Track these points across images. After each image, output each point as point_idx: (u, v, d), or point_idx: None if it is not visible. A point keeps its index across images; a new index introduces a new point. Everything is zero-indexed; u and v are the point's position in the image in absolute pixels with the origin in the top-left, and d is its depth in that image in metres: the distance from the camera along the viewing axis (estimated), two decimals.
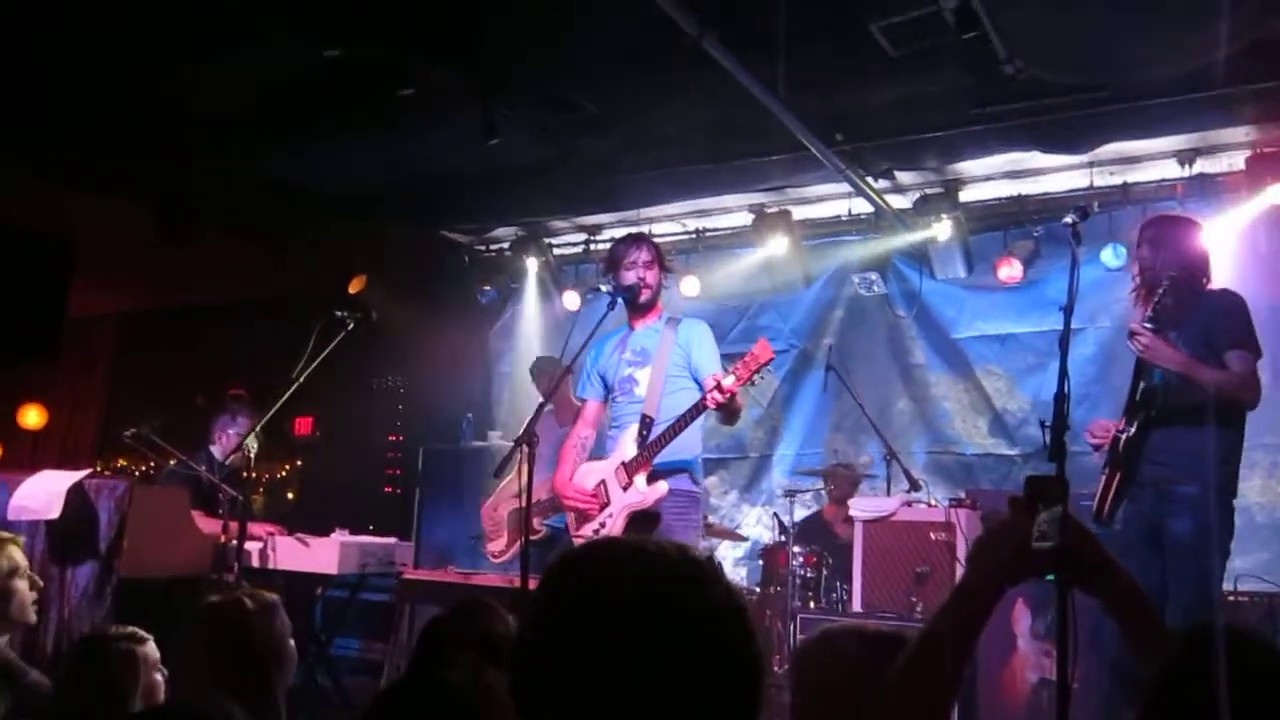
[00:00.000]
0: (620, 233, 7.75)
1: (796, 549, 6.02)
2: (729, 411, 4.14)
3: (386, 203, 7.33)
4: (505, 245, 8.42)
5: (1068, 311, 2.55)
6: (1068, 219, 2.99)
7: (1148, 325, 3.83)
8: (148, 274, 8.82)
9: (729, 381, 3.94)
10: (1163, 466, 3.89)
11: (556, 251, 8.29)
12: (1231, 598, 4.75)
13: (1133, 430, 3.91)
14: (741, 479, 7.72)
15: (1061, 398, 2.30)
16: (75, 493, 4.86)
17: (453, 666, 2.06)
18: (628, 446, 4.24)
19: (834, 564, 6.03)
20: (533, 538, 5.77)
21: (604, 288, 4.42)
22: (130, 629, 2.77)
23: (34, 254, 7.85)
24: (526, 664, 1.17)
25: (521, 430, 3.84)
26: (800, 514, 6.49)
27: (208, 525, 5.27)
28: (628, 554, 1.20)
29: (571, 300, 7.98)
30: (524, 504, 3.75)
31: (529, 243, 8.15)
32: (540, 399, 6.66)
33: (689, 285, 7.25)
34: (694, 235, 7.71)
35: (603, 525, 4.20)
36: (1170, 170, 6.24)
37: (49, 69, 5.55)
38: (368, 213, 7.43)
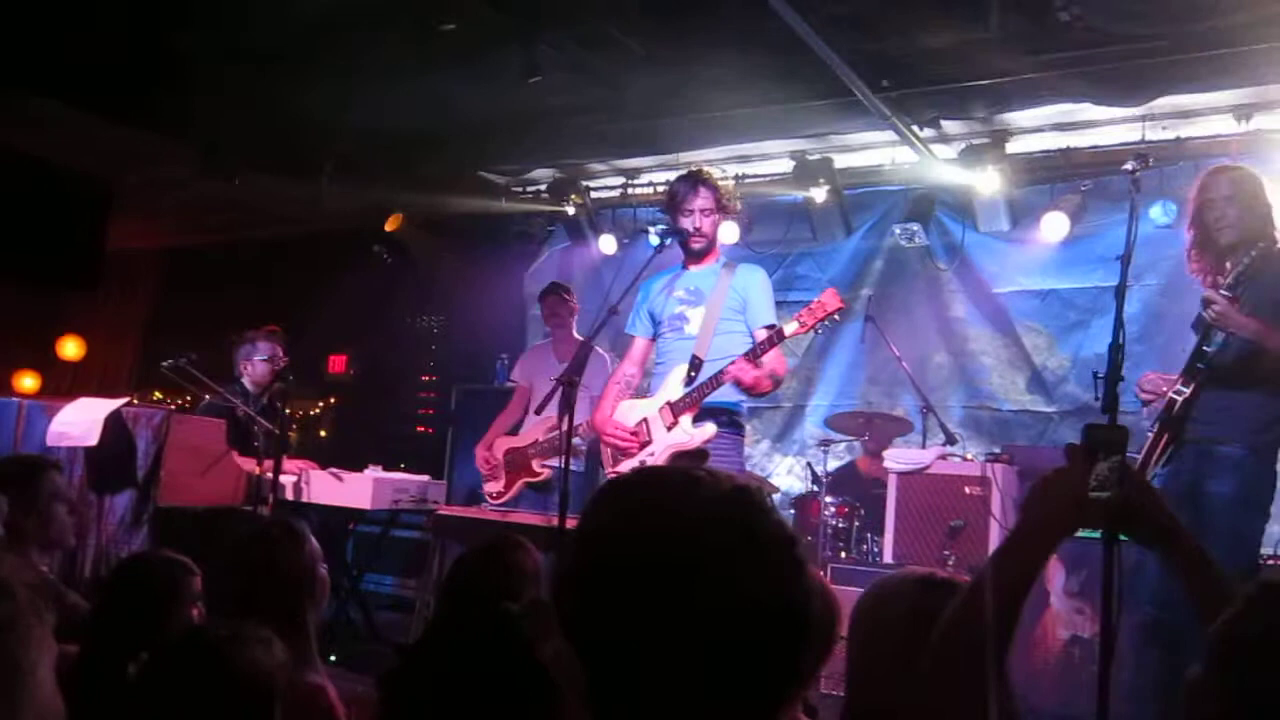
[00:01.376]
0: (660, 177, 7.71)
1: (829, 499, 6.00)
2: (754, 390, 4.07)
3: (425, 141, 7.27)
4: (543, 187, 8.36)
5: (1125, 260, 2.49)
6: (1128, 165, 2.91)
7: (1224, 293, 3.72)
8: (189, 210, 8.85)
9: (791, 328, 3.88)
10: (1208, 425, 3.82)
11: (594, 194, 8.22)
12: (1270, 562, 4.68)
13: (1189, 392, 3.82)
14: (774, 428, 7.68)
15: (1116, 348, 2.24)
16: (113, 420, 4.92)
17: (498, 597, 2.05)
18: (674, 386, 4.17)
19: (866, 515, 6.01)
20: (533, 480, 5.79)
21: (652, 230, 4.34)
22: (181, 558, 2.78)
23: (71, 189, 7.89)
24: (573, 590, 1.14)
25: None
26: (833, 465, 6.46)
27: (242, 459, 5.31)
28: (676, 480, 1.17)
29: (608, 244, 7.94)
30: (563, 441, 3.73)
31: (567, 185, 8.08)
32: (545, 324, 6.61)
33: (727, 231, 7.16)
34: (734, 180, 7.58)
35: (643, 464, 4.14)
36: (1226, 125, 6.06)
37: (88, 6, 5.50)
38: (406, 150, 7.38)
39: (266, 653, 1.99)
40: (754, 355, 3.92)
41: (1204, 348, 3.81)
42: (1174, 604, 3.62)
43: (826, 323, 3.86)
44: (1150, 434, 3.90)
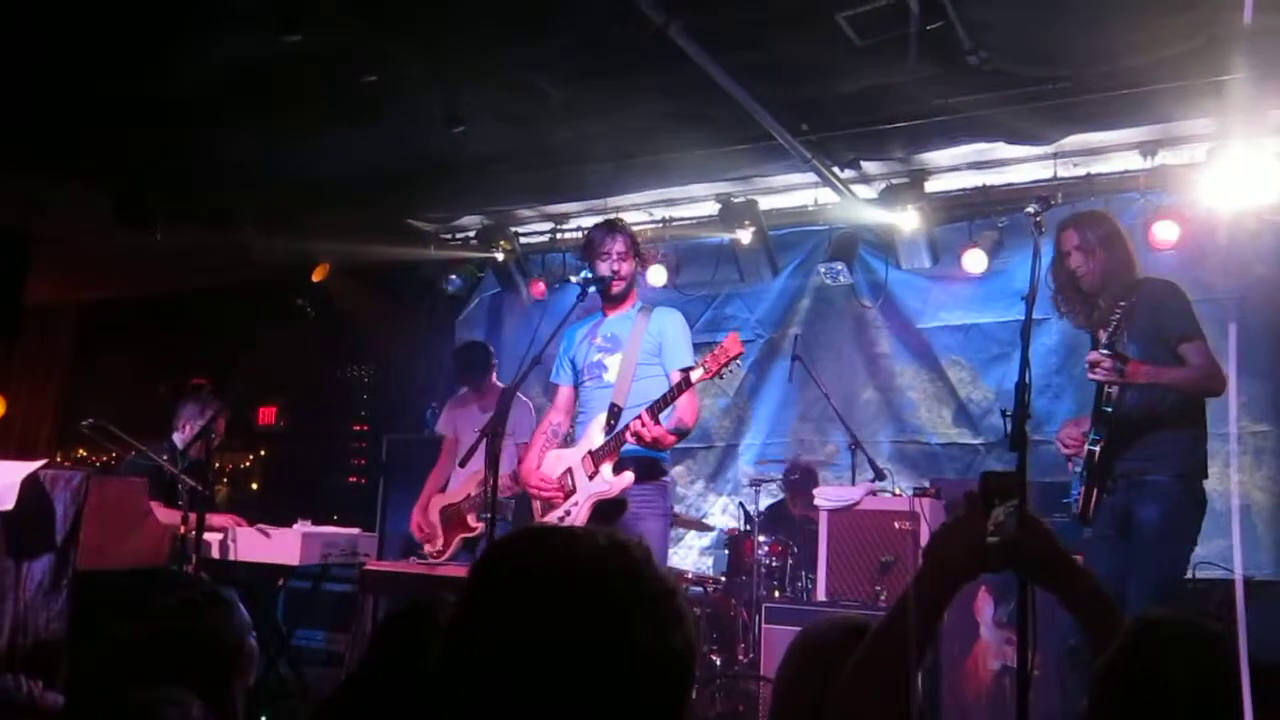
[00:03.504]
0: (587, 221, 7.75)
1: (762, 539, 6.03)
2: (655, 445, 4.12)
3: (351, 190, 7.24)
4: (471, 234, 8.37)
5: (1030, 300, 2.56)
6: (1030, 209, 3.01)
7: (1104, 352, 3.83)
8: (109, 263, 8.70)
9: (697, 375, 3.95)
10: (1134, 460, 3.92)
11: (523, 240, 8.25)
12: (1191, 585, 4.79)
13: (1104, 440, 3.92)
14: (708, 468, 7.73)
15: (1023, 386, 2.30)
16: (30, 484, 4.77)
17: (424, 656, 2.04)
18: (595, 435, 4.23)
19: (799, 553, 6.05)
20: (469, 535, 5.79)
21: (574, 279, 4.43)
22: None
23: None
24: (454, 648, 1.16)
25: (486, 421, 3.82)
26: (766, 503, 6.50)
27: (167, 516, 5.20)
28: (554, 539, 1.20)
29: (538, 289, 7.96)
30: (488, 491, 3.72)
31: (495, 231, 8.10)
32: (465, 386, 6.65)
33: (656, 274, 7.23)
34: (661, 224, 7.69)
35: (567, 514, 4.17)
36: (1133, 162, 6.28)
37: (5, 57, 5.43)
38: (332, 200, 7.35)
39: None
40: (656, 409, 4.00)
41: (1107, 391, 3.92)
42: None
43: (730, 367, 3.95)
44: (1082, 489, 3.97)
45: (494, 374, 6.44)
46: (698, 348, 4.48)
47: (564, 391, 4.59)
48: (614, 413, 4.20)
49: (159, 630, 2.59)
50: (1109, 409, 3.91)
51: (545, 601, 1.12)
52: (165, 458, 5.50)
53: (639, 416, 4.00)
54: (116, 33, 5.19)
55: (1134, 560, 3.88)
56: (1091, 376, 3.90)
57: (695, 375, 3.96)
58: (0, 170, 6.75)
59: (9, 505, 4.70)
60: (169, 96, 5.86)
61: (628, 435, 4.02)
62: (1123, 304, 3.84)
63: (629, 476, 4.12)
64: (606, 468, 4.13)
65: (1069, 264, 4.11)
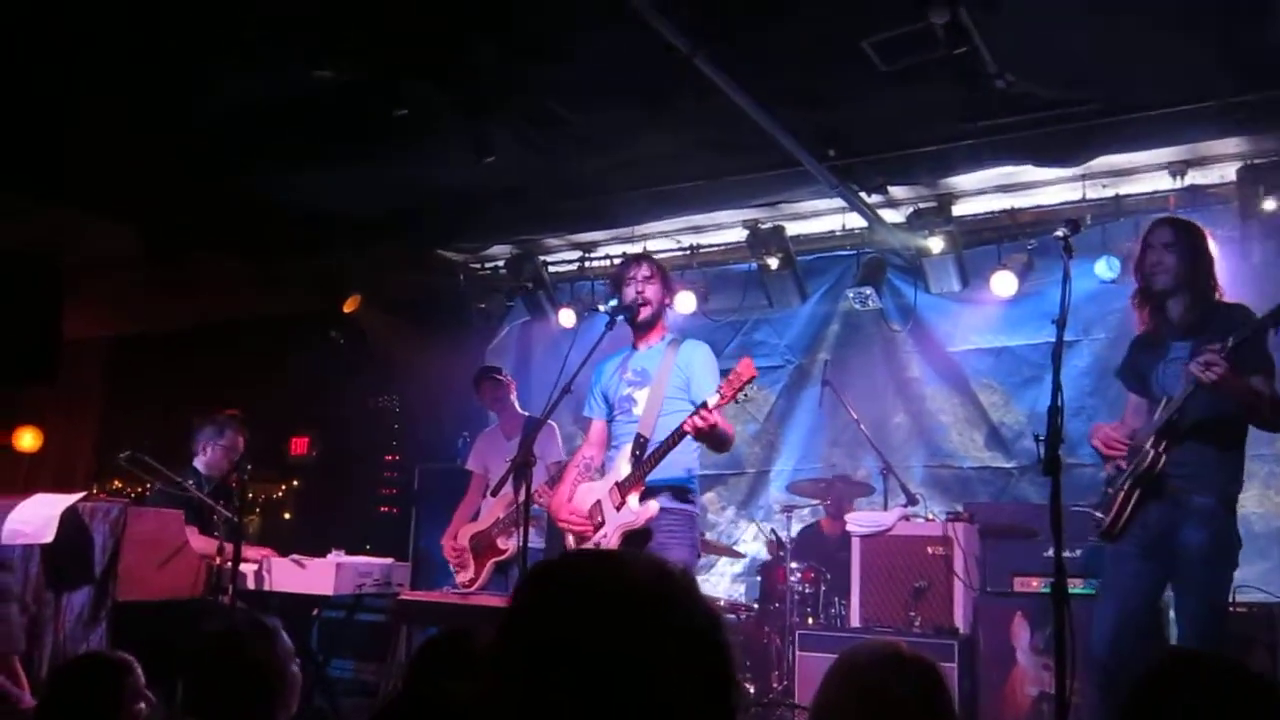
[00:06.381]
0: (615, 250, 7.82)
1: (794, 565, 6.00)
2: (714, 440, 4.15)
3: (381, 222, 7.32)
4: (500, 263, 8.43)
5: (1060, 324, 2.56)
6: (1059, 232, 3.00)
7: (1221, 354, 3.70)
8: (141, 296, 8.80)
9: (713, 400, 3.96)
10: (1181, 477, 3.83)
11: (551, 269, 8.29)
12: (1231, 608, 4.72)
13: (1163, 450, 3.84)
14: (739, 495, 7.70)
15: (1055, 410, 2.29)
16: (70, 516, 4.84)
17: (462, 683, 2.05)
18: (622, 466, 4.25)
19: (832, 579, 6.02)
20: (500, 558, 5.84)
21: (602, 308, 4.46)
22: (118, 655, 2.74)
23: (23, 275, 7.79)
24: (496, 673, 1.16)
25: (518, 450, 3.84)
26: (797, 529, 6.48)
27: (201, 544, 5.25)
28: (596, 564, 1.20)
29: (567, 318, 7.99)
30: (521, 523, 3.74)
31: (524, 261, 8.15)
32: (488, 409, 6.73)
33: (684, 301, 7.24)
34: (688, 251, 7.71)
35: (596, 546, 4.19)
36: (1162, 182, 6.25)
37: (37, 90, 5.53)
38: (362, 232, 7.42)
39: None
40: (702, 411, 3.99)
41: (1175, 402, 3.84)
42: (1124, 652, 3.69)
43: (745, 391, 3.95)
44: (1123, 490, 3.89)
45: (514, 400, 6.50)
46: (724, 374, 4.48)
47: (596, 425, 4.62)
48: (639, 444, 4.23)
49: (200, 659, 2.62)
50: (1175, 421, 3.83)
51: (580, 627, 1.12)
52: (190, 483, 5.55)
53: (695, 412, 3.96)
54: (149, 67, 5.28)
55: (1178, 586, 3.83)
56: (1199, 373, 3.73)
57: (712, 401, 3.97)
58: (32, 204, 6.85)
59: (49, 538, 4.76)
60: (202, 131, 5.95)
61: (687, 427, 3.99)
62: (1245, 327, 3.71)
63: (654, 506, 4.14)
64: (633, 498, 4.15)
65: (1149, 257, 4.00)
